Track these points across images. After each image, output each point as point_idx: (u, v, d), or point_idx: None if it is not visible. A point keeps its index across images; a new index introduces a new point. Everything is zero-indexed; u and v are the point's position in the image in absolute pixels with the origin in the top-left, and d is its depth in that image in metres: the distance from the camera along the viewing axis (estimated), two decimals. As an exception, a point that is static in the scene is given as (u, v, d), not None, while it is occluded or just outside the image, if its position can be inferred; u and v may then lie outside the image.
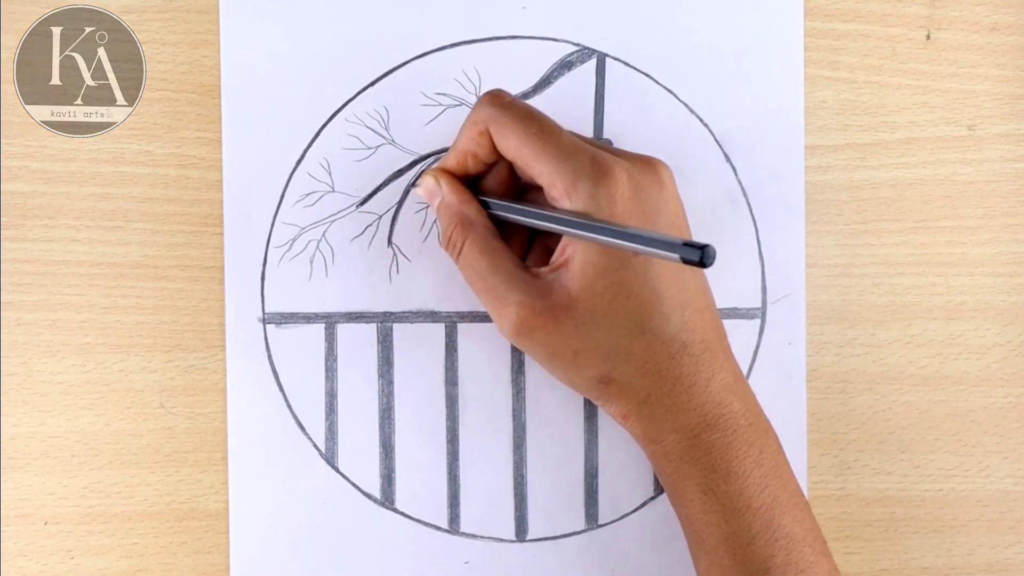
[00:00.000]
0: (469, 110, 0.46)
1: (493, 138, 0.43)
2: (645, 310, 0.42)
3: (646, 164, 0.43)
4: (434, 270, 0.49)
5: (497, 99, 0.43)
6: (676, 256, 0.37)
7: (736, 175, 0.49)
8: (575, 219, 0.41)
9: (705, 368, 0.42)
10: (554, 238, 0.44)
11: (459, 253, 0.44)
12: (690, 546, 0.44)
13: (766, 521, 0.42)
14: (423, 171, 0.48)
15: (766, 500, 0.42)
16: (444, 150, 0.49)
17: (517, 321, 0.42)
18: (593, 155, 0.42)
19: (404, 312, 0.49)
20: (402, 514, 0.49)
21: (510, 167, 0.45)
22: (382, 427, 0.49)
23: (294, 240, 0.48)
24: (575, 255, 0.42)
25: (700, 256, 0.36)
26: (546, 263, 0.44)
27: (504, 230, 0.45)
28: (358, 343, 0.48)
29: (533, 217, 0.43)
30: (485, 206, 0.45)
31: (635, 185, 0.42)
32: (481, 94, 0.45)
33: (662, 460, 0.43)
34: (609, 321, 0.42)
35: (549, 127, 0.42)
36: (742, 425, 0.42)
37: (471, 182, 0.46)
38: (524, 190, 0.46)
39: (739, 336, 0.49)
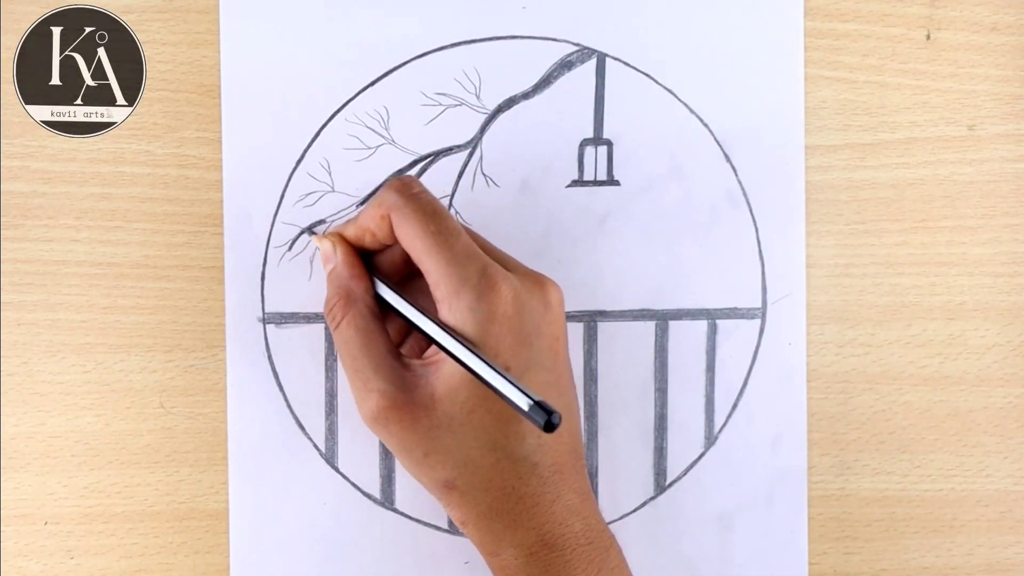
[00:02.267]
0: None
1: (394, 226, 0.43)
2: (502, 428, 0.42)
3: (536, 283, 0.43)
4: (434, 270, 0.49)
5: (406, 188, 0.43)
6: (523, 410, 0.39)
7: (736, 175, 0.49)
8: (448, 335, 0.42)
9: (551, 489, 0.42)
10: None
11: (336, 326, 0.44)
12: None
13: None
14: (323, 227, 0.48)
15: None
16: (444, 150, 0.49)
17: (375, 410, 0.42)
18: (484, 267, 0.42)
19: (404, 312, 0.49)
20: (402, 514, 0.49)
21: (406, 253, 0.44)
22: (382, 427, 0.49)
23: (294, 240, 0.48)
24: (447, 358, 0.42)
25: (544, 422, 0.38)
26: (423, 351, 0.45)
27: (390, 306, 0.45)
28: (358, 343, 0.48)
29: (412, 316, 0.43)
30: (377, 280, 0.45)
31: (519, 304, 0.42)
32: (391, 178, 0.44)
33: (499, 573, 0.43)
34: (464, 431, 0.42)
35: (448, 228, 0.42)
36: (581, 544, 0.42)
37: (367, 255, 0.45)
38: (418, 275, 0.45)
39: (739, 336, 0.49)
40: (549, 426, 0.38)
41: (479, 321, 0.41)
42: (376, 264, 0.45)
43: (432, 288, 0.43)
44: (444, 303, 0.42)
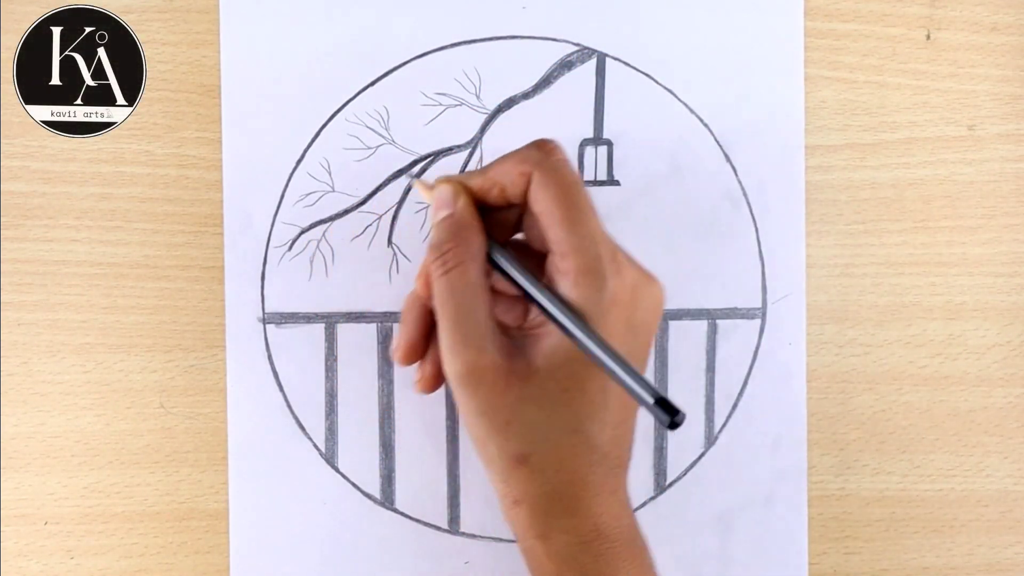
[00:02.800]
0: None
1: (532, 184, 0.41)
2: (589, 412, 0.41)
3: (651, 281, 0.42)
4: (434, 270, 0.49)
5: (553, 151, 0.41)
6: (649, 403, 0.38)
7: (736, 175, 0.50)
8: (570, 313, 0.40)
9: (612, 482, 0.42)
10: None
11: (447, 271, 0.41)
12: None
13: None
14: (436, 173, 0.46)
15: None
16: (444, 150, 0.49)
17: (469, 366, 0.40)
18: (614, 250, 0.41)
19: (404, 312, 0.49)
20: (402, 514, 0.49)
21: (519, 218, 0.43)
22: (382, 427, 0.49)
23: (294, 240, 0.48)
24: (550, 332, 0.41)
25: (669, 420, 0.37)
26: (517, 312, 0.43)
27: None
28: (358, 343, 0.48)
29: (530, 286, 0.41)
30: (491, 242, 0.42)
31: (636, 297, 0.41)
32: (538, 139, 0.42)
33: (544, 558, 0.41)
34: (553, 408, 0.41)
35: (589, 203, 0.41)
36: (627, 540, 0.42)
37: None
38: (513, 242, 0.44)
39: (739, 336, 0.49)
40: (673, 425, 0.37)
41: (601, 302, 0.40)
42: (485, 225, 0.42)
43: (558, 259, 0.41)
44: (568, 276, 0.40)
